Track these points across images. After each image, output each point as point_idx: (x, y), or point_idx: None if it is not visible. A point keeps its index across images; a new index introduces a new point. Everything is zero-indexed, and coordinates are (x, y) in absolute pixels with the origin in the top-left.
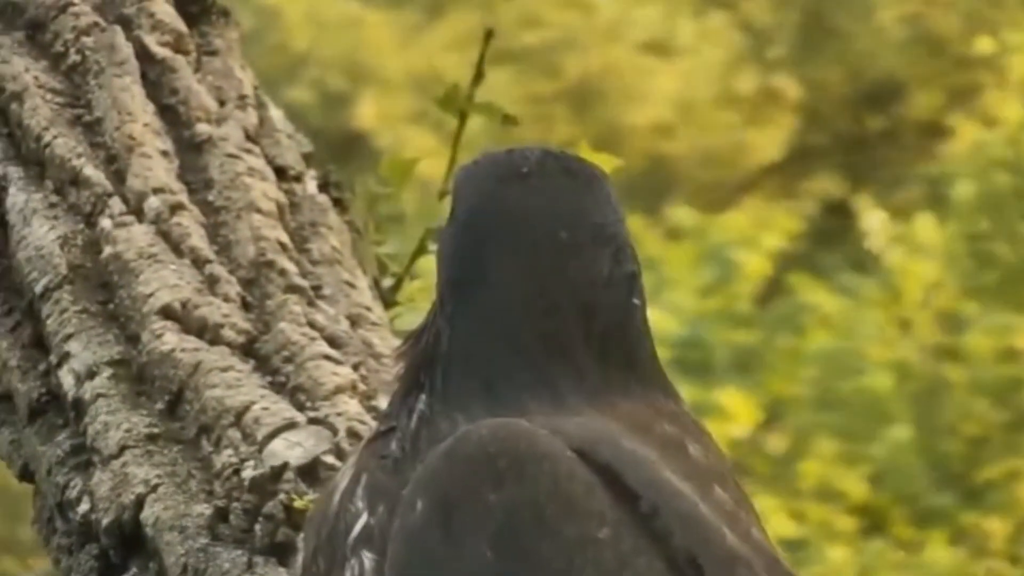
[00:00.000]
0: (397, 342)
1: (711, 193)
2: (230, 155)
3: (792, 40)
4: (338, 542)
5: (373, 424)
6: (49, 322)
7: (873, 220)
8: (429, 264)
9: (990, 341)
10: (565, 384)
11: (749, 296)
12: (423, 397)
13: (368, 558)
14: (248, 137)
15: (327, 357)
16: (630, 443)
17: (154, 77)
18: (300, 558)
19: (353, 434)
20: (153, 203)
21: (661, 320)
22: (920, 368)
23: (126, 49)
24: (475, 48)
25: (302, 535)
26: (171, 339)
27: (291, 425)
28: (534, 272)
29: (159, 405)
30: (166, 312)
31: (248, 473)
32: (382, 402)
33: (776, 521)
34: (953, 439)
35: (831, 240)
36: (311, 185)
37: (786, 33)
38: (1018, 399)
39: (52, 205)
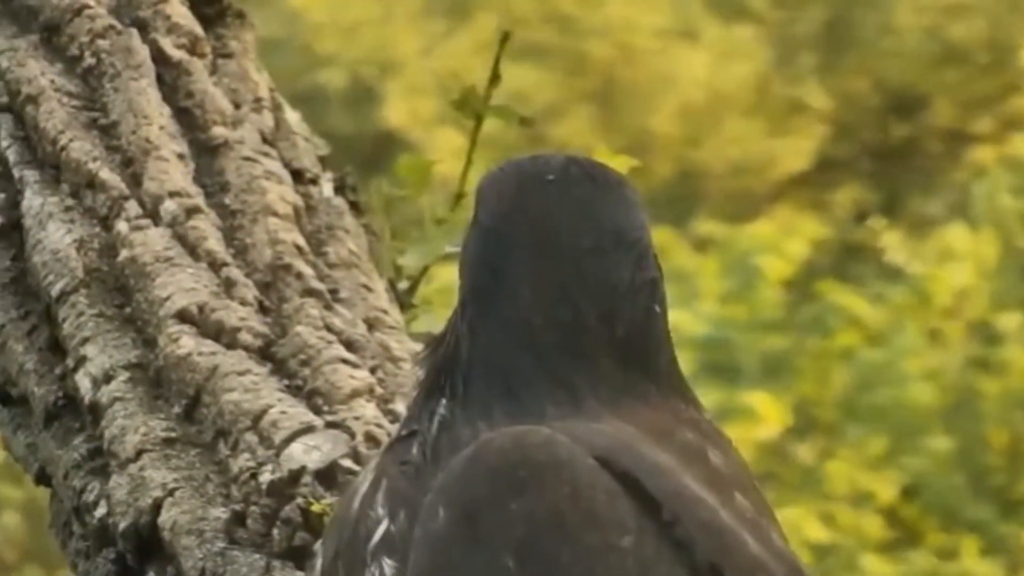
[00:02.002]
0: (414, 346)
1: (738, 203)
2: (246, 158)
3: (818, 50)
4: (358, 547)
5: (390, 428)
6: (65, 326)
7: (891, 238)
8: (445, 267)
9: None
10: (586, 390)
11: (777, 302)
12: (444, 402)
13: (388, 565)
14: (264, 140)
15: (344, 361)
16: (651, 450)
17: (170, 80)
18: (319, 563)
19: (370, 438)
20: (169, 206)
21: (689, 322)
22: (954, 379)
23: (142, 52)
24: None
25: (321, 541)
26: (188, 343)
27: (308, 429)
28: (556, 278)
29: (176, 409)
30: (183, 316)
31: (266, 477)
32: (399, 406)
33: (806, 527)
34: (988, 451)
35: (859, 250)
36: (328, 188)
37: (812, 42)
38: None
39: (68, 208)
